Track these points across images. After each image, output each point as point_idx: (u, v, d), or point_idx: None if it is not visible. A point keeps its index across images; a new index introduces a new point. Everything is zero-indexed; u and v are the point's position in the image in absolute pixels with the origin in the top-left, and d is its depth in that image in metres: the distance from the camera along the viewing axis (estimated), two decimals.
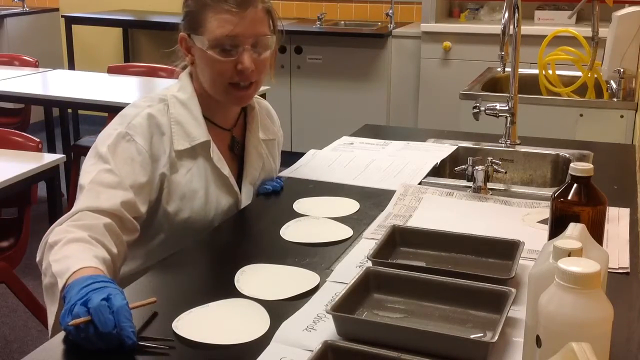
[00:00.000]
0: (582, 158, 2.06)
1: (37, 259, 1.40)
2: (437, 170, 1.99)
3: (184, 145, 1.58)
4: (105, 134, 1.55)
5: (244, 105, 1.71)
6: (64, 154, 2.80)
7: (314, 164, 2.02)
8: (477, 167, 1.78)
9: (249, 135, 1.72)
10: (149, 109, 1.58)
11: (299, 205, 1.69)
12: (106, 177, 1.47)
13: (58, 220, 1.41)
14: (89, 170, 1.50)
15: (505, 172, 1.95)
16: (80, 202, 1.44)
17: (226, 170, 1.63)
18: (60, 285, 1.22)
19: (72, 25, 5.56)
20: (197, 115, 1.61)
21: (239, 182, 1.69)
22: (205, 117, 1.63)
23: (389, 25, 5.02)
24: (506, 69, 2.12)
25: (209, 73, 1.58)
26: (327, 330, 1.12)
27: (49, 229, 1.40)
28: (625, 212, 1.64)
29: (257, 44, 1.56)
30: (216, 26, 1.53)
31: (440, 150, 2.12)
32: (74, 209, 1.43)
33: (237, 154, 1.71)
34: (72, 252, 1.29)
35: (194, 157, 1.60)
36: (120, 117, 1.57)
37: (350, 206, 1.70)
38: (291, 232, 1.54)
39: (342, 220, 1.61)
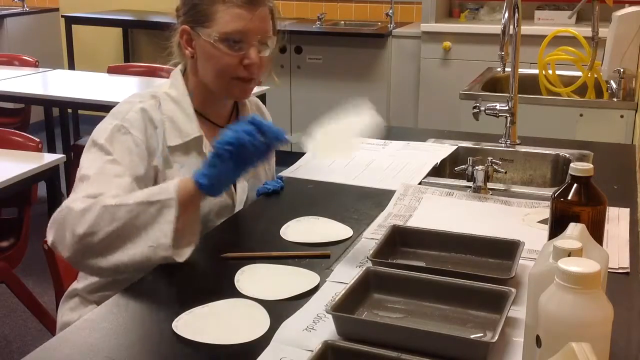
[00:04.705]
0: (582, 158, 2.06)
1: (51, 239, 1.42)
2: (437, 170, 1.99)
3: (176, 142, 1.59)
4: (100, 129, 1.56)
5: (243, 100, 1.73)
6: (64, 154, 2.80)
7: (314, 164, 2.01)
8: (477, 167, 1.78)
9: None
10: (141, 104, 1.59)
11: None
12: (111, 168, 1.48)
13: (67, 207, 1.41)
14: (91, 160, 1.50)
15: (505, 172, 1.95)
16: (89, 189, 1.44)
17: None
18: (172, 191, 1.37)
19: (72, 25, 5.56)
20: (189, 112, 1.62)
21: None
22: (200, 113, 1.64)
23: (389, 25, 5.02)
24: (506, 69, 2.12)
25: (213, 66, 1.58)
26: (327, 330, 1.12)
27: (58, 210, 1.41)
28: (625, 212, 1.64)
29: (261, 41, 1.58)
30: (228, 20, 1.54)
31: (440, 150, 2.12)
32: (79, 195, 1.43)
33: None
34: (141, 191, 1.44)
35: (187, 153, 1.61)
36: (113, 114, 1.59)
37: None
38: (291, 232, 1.54)
39: (342, 220, 1.61)
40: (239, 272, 1.33)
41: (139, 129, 1.55)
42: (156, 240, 1.35)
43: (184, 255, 1.38)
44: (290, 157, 2.08)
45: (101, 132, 1.55)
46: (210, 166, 1.38)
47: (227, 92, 1.64)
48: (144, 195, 1.39)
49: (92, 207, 1.37)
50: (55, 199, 2.68)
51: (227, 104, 1.71)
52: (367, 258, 1.33)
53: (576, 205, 1.21)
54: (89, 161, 1.51)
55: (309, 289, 1.27)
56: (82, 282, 1.60)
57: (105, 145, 1.51)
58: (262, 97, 3.59)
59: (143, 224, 1.36)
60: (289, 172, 1.95)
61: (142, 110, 1.57)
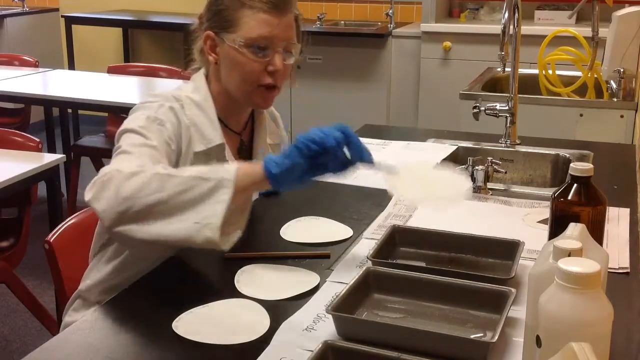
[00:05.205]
0: (582, 158, 2.06)
1: (90, 196, 1.31)
2: None
3: (200, 148, 1.54)
4: (131, 119, 1.50)
5: (264, 109, 1.70)
6: (64, 154, 2.80)
7: None
8: (477, 167, 1.78)
9: (257, 139, 1.71)
10: (168, 103, 1.54)
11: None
12: (149, 151, 1.42)
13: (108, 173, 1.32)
14: (129, 141, 1.43)
15: (505, 172, 1.95)
16: (136, 161, 1.36)
17: None
18: (232, 171, 1.27)
19: (72, 25, 5.56)
20: (212, 118, 1.58)
21: None
22: (220, 120, 1.61)
23: (389, 25, 5.02)
24: (506, 69, 2.12)
25: (237, 72, 1.56)
26: (327, 330, 1.12)
27: (102, 173, 1.33)
28: (625, 212, 1.64)
29: (286, 49, 1.57)
30: (254, 26, 1.52)
31: (440, 150, 2.12)
32: (127, 163, 1.35)
33: (244, 158, 1.68)
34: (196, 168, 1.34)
35: (208, 161, 1.54)
36: (142, 108, 1.53)
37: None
38: (291, 232, 1.54)
39: (342, 220, 1.61)
40: (239, 272, 1.33)
41: (172, 125, 1.50)
42: (205, 219, 1.25)
43: (228, 243, 1.30)
44: None
45: (134, 120, 1.48)
46: (286, 157, 1.28)
47: (249, 100, 1.60)
48: (199, 170, 1.30)
49: (142, 172, 1.29)
50: (55, 199, 2.68)
51: (246, 111, 1.68)
52: (367, 258, 1.33)
53: (576, 205, 1.21)
54: (126, 142, 1.43)
55: (309, 289, 1.27)
56: (84, 283, 1.60)
57: (141, 130, 1.45)
58: None
59: (193, 199, 1.26)
60: None
61: (171, 109, 1.53)
